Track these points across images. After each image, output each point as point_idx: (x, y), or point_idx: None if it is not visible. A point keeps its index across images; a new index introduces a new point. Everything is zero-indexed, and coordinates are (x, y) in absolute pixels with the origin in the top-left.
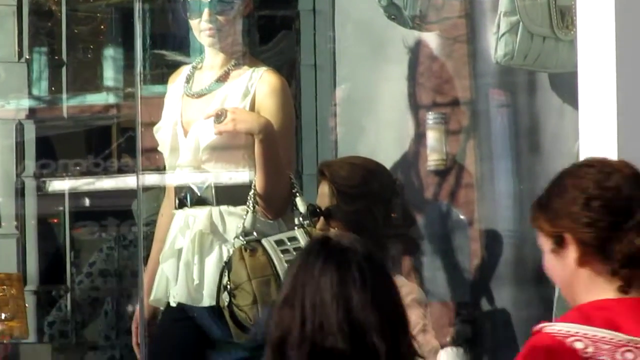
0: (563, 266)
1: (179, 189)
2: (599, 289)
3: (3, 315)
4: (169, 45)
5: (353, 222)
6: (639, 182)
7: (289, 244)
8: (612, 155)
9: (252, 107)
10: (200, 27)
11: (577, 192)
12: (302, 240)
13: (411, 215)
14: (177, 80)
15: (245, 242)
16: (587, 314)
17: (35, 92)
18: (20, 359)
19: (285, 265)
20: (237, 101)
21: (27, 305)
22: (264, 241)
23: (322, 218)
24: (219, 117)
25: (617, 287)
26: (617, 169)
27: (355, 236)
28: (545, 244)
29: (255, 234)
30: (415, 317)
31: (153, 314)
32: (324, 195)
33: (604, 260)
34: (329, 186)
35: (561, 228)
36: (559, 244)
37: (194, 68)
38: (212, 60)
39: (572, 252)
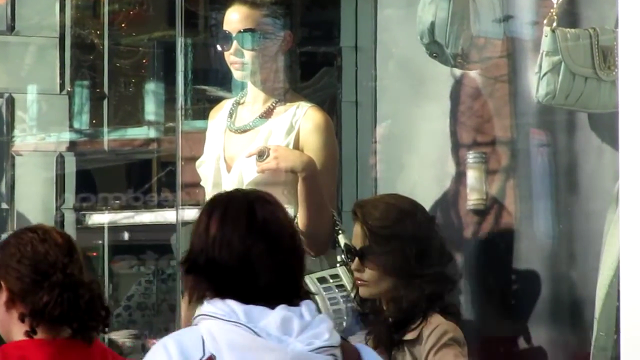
0: None
1: None
2: (20, 331)
3: None
4: (211, 80)
5: (386, 263)
6: (66, 250)
7: (331, 281)
8: None
9: (296, 144)
10: (230, 60)
11: (15, 249)
12: (345, 278)
13: (448, 252)
14: (218, 115)
15: None
16: (6, 353)
17: (76, 125)
18: None
19: (328, 302)
20: (281, 138)
21: None
22: (306, 278)
23: (356, 258)
24: (262, 155)
25: (26, 331)
26: (52, 237)
27: None
28: None
29: None
30: (452, 356)
31: None
32: (357, 236)
33: (23, 308)
34: (361, 227)
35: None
36: None
37: (237, 103)
38: (254, 95)
39: (3, 297)
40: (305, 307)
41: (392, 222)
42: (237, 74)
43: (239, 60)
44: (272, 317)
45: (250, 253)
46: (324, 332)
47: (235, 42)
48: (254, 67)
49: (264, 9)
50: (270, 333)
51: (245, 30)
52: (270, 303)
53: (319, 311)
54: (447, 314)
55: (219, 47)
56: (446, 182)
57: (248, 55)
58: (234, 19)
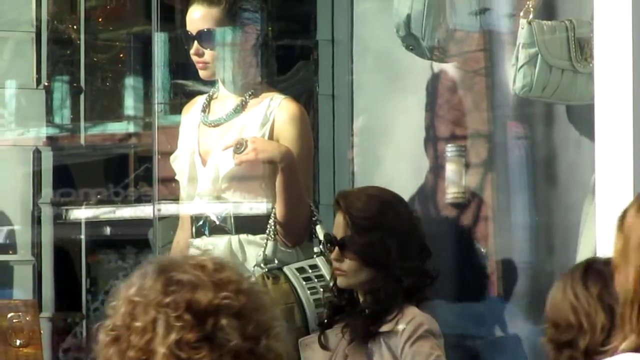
0: None
1: (196, 218)
2: None
3: (18, 342)
4: (189, 74)
5: (367, 254)
6: None
7: (310, 271)
8: (627, 187)
9: (271, 135)
10: (194, 60)
11: None
12: (324, 268)
13: (427, 248)
14: (192, 110)
15: (267, 270)
16: None
17: (53, 119)
18: None
19: (308, 292)
20: (256, 130)
21: (42, 332)
22: (285, 269)
23: (336, 248)
24: (239, 147)
25: None
26: None
27: None
28: None
29: (276, 261)
30: (428, 347)
31: None
32: (339, 226)
33: None
34: (343, 217)
35: None
36: None
37: (210, 97)
38: (225, 91)
39: None
40: None
41: (374, 213)
42: (201, 73)
43: (201, 60)
44: None
45: None
46: None
47: (196, 43)
48: (218, 65)
49: (224, 5)
50: None
51: (204, 31)
52: None
53: (300, 302)
54: (423, 307)
55: (185, 47)
56: (423, 176)
57: (209, 55)
58: (194, 17)
